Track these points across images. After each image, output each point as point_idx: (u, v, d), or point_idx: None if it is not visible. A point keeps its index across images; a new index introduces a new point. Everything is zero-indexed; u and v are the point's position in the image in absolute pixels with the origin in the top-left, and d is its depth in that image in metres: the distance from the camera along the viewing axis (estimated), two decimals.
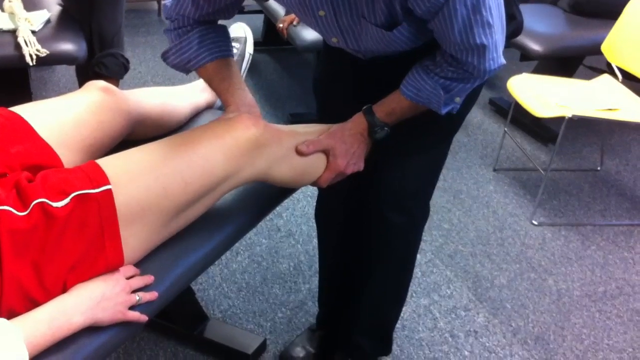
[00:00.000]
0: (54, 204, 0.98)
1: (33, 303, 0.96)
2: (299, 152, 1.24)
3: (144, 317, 1.06)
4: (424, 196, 1.48)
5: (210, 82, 1.32)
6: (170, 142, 1.15)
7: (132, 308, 1.05)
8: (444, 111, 1.22)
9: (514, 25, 1.26)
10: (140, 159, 1.10)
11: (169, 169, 1.09)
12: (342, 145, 1.28)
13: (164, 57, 1.31)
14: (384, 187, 1.41)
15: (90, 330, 0.99)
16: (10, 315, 0.94)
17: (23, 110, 1.16)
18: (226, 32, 1.32)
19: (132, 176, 1.06)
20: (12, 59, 2.09)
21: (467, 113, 1.38)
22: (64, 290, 0.99)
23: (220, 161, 1.14)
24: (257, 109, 1.29)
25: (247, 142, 1.18)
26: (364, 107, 1.29)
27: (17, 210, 0.96)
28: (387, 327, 1.70)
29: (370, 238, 1.51)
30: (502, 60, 1.15)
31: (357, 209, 1.50)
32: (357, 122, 1.29)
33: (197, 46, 1.26)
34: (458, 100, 1.22)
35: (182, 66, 1.30)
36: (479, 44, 1.08)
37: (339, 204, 1.59)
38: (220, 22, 1.33)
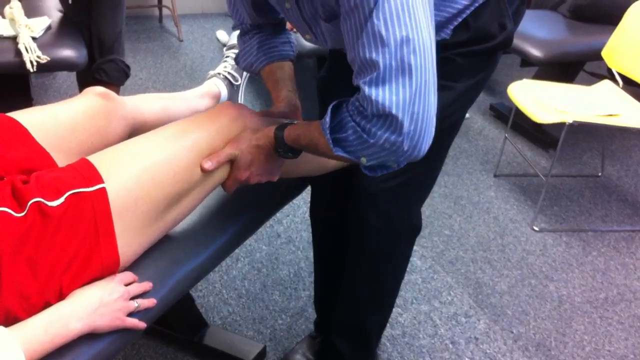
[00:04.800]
0: (50, 203, 0.98)
1: (28, 302, 0.96)
2: (202, 169, 1.15)
3: (142, 324, 1.06)
4: (408, 203, 1.41)
5: (266, 82, 1.43)
6: (157, 134, 1.18)
7: (130, 315, 1.05)
8: (335, 151, 1.06)
9: (504, 35, 1.24)
10: (129, 152, 1.12)
11: (157, 159, 1.11)
12: (246, 156, 1.20)
13: (236, 61, 1.46)
14: (362, 186, 1.37)
15: (88, 337, 0.99)
16: (6, 317, 0.94)
17: (20, 115, 1.16)
18: (284, 38, 1.42)
19: (122, 168, 1.07)
20: (12, 66, 2.09)
21: (454, 118, 1.33)
22: (60, 294, 0.99)
23: (205, 150, 1.16)
24: (297, 107, 1.39)
25: (229, 131, 1.20)
26: (281, 124, 1.20)
27: (15, 212, 0.97)
28: (365, 333, 1.64)
29: (350, 238, 1.48)
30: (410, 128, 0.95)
31: (347, 210, 1.48)
32: (267, 135, 1.20)
33: (257, 52, 1.40)
34: (351, 152, 1.04)
35: (249, 69, 1.43)
36: (368, 58, 0.95)
37: (331, 204, 1.58)
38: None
